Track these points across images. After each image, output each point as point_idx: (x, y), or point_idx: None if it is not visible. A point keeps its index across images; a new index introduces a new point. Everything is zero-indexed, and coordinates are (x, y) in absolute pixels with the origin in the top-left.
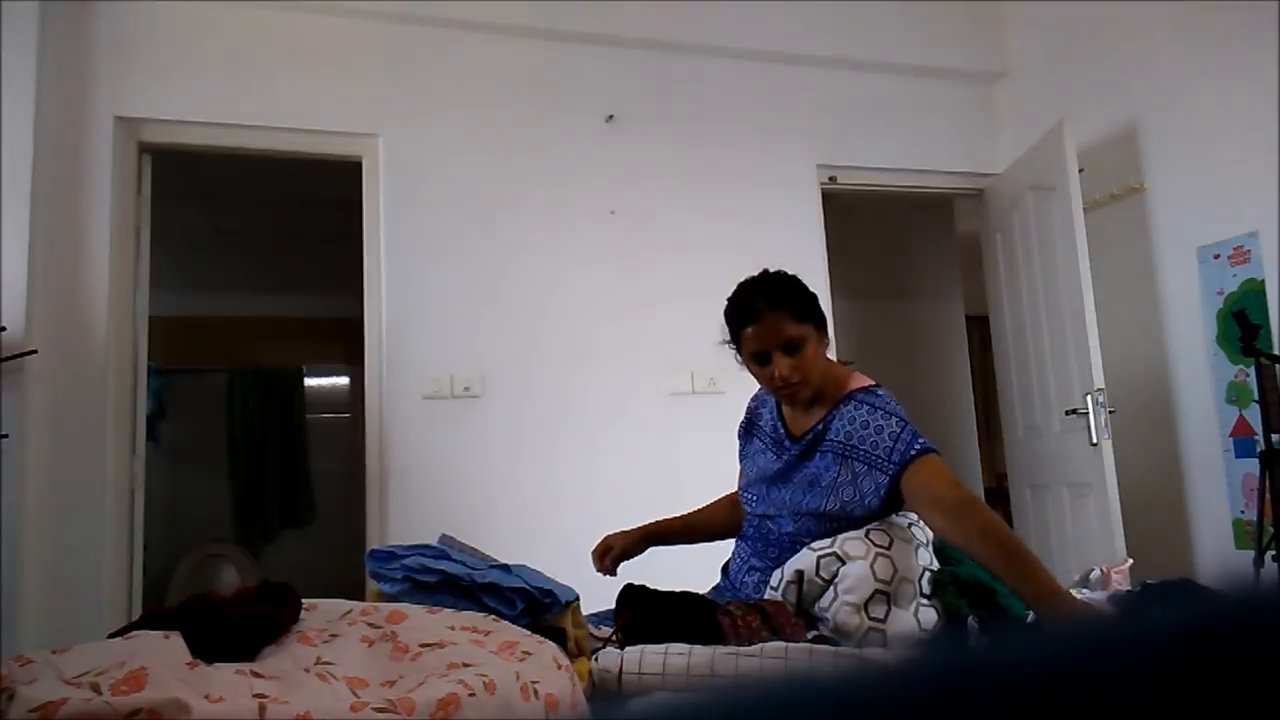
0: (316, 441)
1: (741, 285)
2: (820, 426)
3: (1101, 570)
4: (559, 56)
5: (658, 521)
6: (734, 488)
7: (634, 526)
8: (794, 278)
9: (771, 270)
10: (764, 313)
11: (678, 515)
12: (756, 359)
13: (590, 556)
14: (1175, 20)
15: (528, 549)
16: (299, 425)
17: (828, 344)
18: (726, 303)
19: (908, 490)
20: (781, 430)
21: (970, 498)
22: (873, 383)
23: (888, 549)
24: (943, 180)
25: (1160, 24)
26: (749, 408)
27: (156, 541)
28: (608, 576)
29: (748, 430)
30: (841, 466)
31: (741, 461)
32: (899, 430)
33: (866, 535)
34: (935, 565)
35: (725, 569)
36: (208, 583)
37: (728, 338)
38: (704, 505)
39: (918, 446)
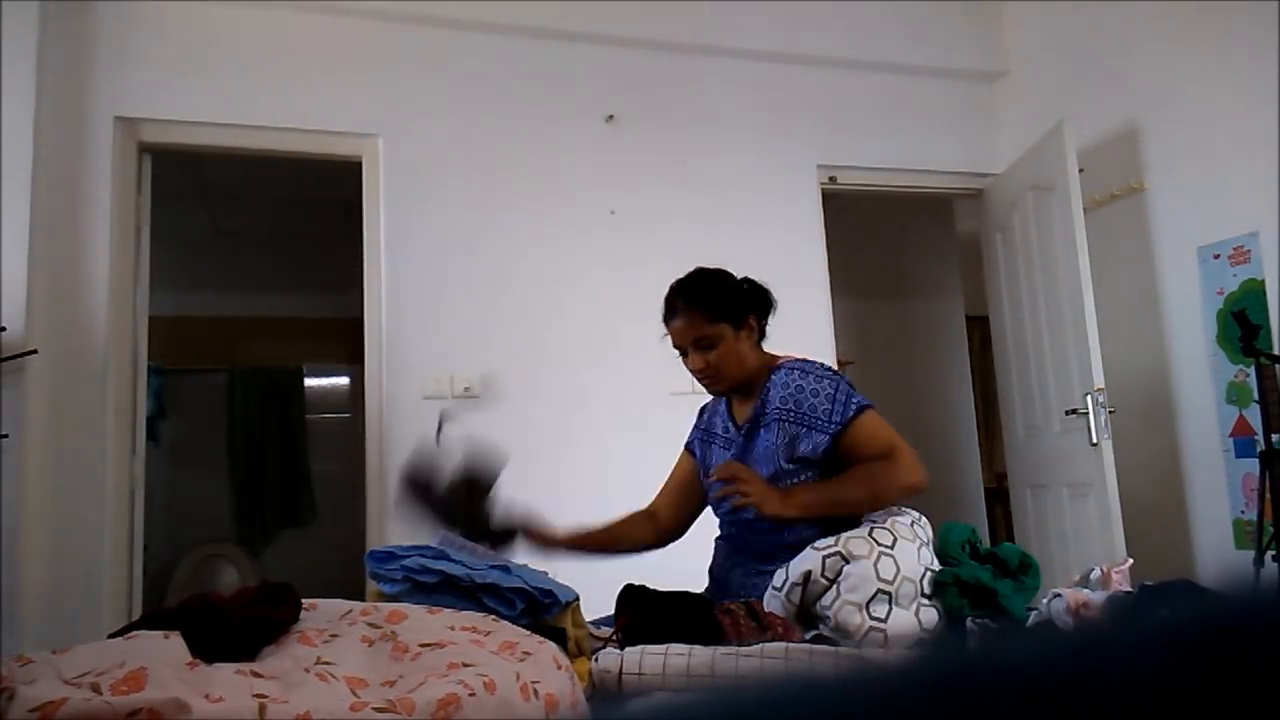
0: (316, 441)
1: (672, 284)
2: (759, 404)
3: (1101, 570)
4: (559, 56)
5: (581, 533)
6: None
7: (559, 529)
8: (718, 276)
9: (709, 268)
10: (679, 312)
11: (597, 525)
12: (680, 352)
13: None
14: (1175, 20)
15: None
16: (299, 425)
17: (754, 331)
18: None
19: (845, 448)
20: (730, 426)
21: (890, 450)
22: (803, 357)
23: (891, 548)
24: (943, 180)
25: (1160, 24)
26: (701, 419)
27: (156, 541)
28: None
29: (706, 442)
30: (784, 430)
31: (705, 469)
32: (833, 391)
33: (870, 534)
34: (936, 565)
35: (710, 571)
36: (208, 583)
37: (665, 332)
38: (618, 519)
39: (854, 406)
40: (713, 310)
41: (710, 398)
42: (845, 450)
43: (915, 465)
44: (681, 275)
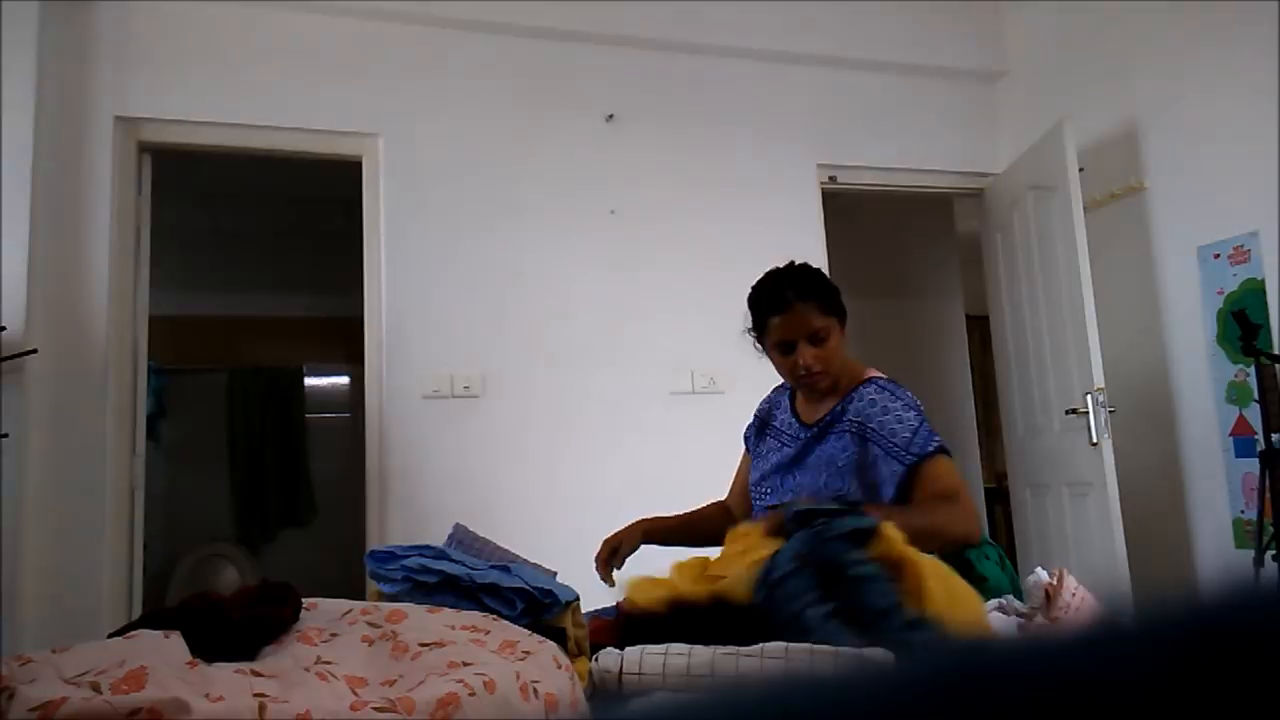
0: (316, 441)
1: (771, 274)
2: (838, 408)
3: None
4: (559, 56)
5: (653, 518)
6: (725, 493)
7: (628, 524)
8: (821, 271)
9: (797, 263)
10: (794, 303)
11: (672, 514)
12: (781, 348)
13: (595, 565)
14: (1175, 20)
15: (528, 549)
16: (299, 425)
17: (846, 338)
18: (752, 290)
19: (914, 483)
20: (795, 423)
21: (956, 495)
22: (894, 381)
23: None
24: (943, 180)
25: (1160, 24)
26: (760, 410)
27: (156, 541)
28: (608, 584)
29: (760, 432)
30: (860, 447)
31: (753, 460)
32: (917, 425)
33: None
34: None
35: None
36: (208, 582)
37: (749, 325)
38: (699, 507)
39: (934, 444)
40: (826, 302)
41: (770, 390)
42: (917, 484)
43: (975, 517)
44: (780, 267)
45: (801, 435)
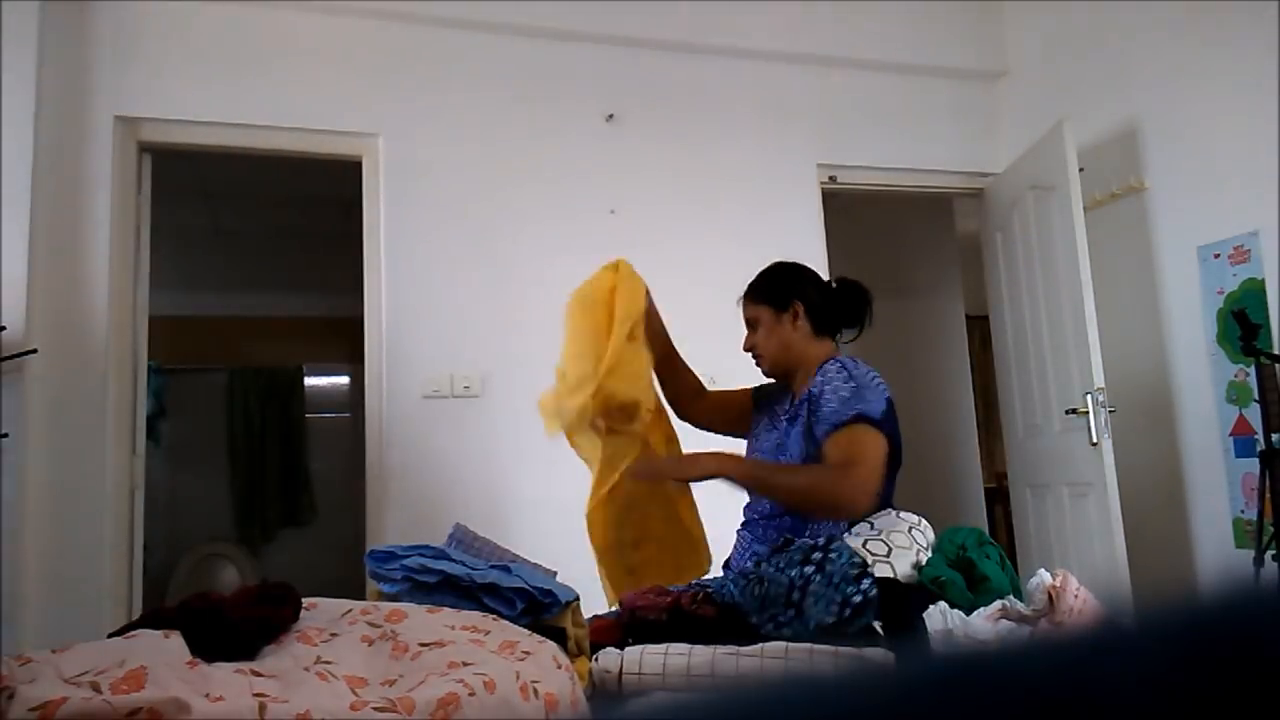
0: (316, 441)
1: None
2: (806, 392)
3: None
4: (559, 56)
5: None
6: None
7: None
8: (774, 266)
9: (784, 262)
10: (742, 299)
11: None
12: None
13: None
14: (1175, 20)
15: (528, 549)
16: (299, 425)
17: (796, 321)
18: None
19: (822, 449)
20: (783, 409)
21: (844, 463)
22: (856, 359)
23: (886, 557)
24: (943, 180)
25: (1160, 24)
26: (770, 386)
27: (156, 541)
28: None
29: (763, 405)
30: (803, 422)
31: (751, 430)
32: (848, 395)
33: (864, 545)
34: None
35: (726, 563)
36: (208, 582)
37: None
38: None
39: (851, 413)
40: (755, 293)
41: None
42: (822, 451)
43: (857, 489)
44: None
45: (781, 421)
